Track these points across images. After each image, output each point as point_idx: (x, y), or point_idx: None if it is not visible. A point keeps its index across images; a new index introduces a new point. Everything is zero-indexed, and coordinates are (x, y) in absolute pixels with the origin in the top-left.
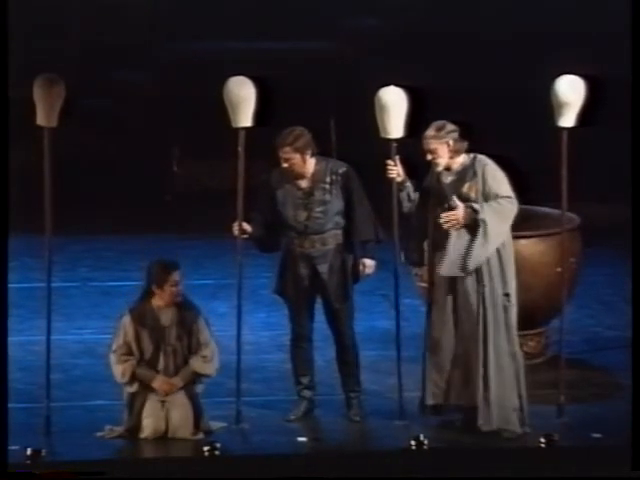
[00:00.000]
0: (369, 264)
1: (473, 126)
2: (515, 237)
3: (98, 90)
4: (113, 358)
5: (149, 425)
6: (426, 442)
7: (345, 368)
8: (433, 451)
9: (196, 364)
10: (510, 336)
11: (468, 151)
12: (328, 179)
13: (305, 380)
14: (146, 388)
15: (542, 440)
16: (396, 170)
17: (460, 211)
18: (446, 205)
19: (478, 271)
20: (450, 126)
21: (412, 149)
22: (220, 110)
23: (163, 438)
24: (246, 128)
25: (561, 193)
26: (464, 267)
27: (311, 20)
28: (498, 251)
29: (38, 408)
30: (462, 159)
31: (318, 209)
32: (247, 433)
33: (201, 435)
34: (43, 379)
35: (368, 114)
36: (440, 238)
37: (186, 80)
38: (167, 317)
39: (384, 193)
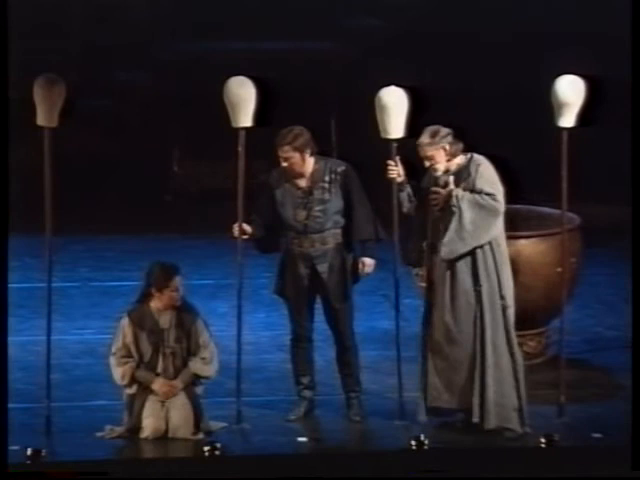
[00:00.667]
0: (368, 263)
1: (470, 126)
2: (515, 237)
3: (98, 90)
4: (113, 361)
5: (149, 425)
6: (426, 442)
7: (345, 368)
8: (433, 451)
9: (196, 366)
10: (509, 336)
11: (466, 150)
12: (327, 178)
13: (305, 380)
14: (146, 389)
15: (542, 440)
16: (396, 170)
17: (443, 192)
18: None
19: (475, 271)
20: (443, 130)
21: (412, 149)
22: (220, 110)
23: (163, 438)
24: (246, 128)
25: (561, 193)
26: (440, 252)
27: (311, 20)
28: (492, 251)
29: (38, 408)
30: (459, 159)
31: (317, 208)
32: (247, 433)
33: (201, 435)
34: (43, 379)
35: (368, 114)
36: (437, 237)
37: (186, 80)
38: (166, 319)
39: (384, 193)
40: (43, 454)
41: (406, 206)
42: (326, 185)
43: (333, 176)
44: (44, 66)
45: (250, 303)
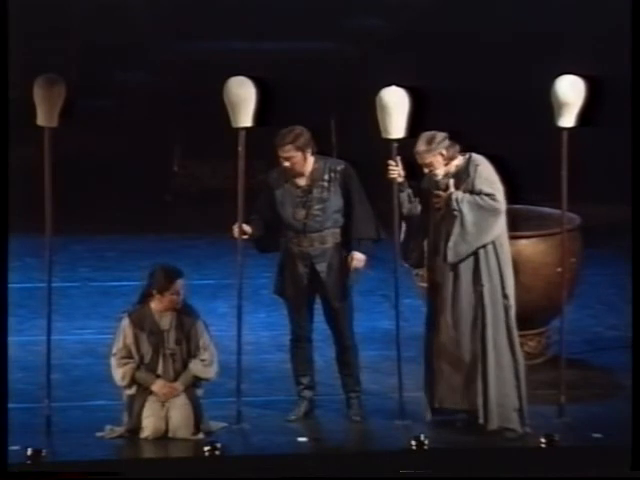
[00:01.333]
0: (358, 257)
1: (470, 126)
2: (516, 237)
3: (98, 90)
4: (113, 362)
5: (149, 425)
6: (426, 442)
7: (345, 368)
8: (433, 451)
9: (196, 368)
10: (511, 336)
11: (465, 150)
12: (326, 177)
13: (305, 380)
14: (146, 389)
15: (542, 440)
16: (397, 170)
17: (443, 195)
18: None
19: (476, 271)
20: (439, 136)
21: (413, 150)
22: (220, 110)
23: (163, 438)
24: (246, 128)
25: (561, 193)
26: (444, 256)
27: (311, 20)
28: (495, 251)
29: (38, 408)
30: (457, 161)
31: (317, 207)
32: (247, 433)
33: (201, 435)
34: (43, 379)
35: (368, 114)
36: (438, 239)
37: (186, 80)
38: (166, 321)
39: (384, 193)
40: (43, 454)
41: (406, 206)
42: (325, 184)
43: (333, 175)
44: (44, 66)
45: (250, 303)
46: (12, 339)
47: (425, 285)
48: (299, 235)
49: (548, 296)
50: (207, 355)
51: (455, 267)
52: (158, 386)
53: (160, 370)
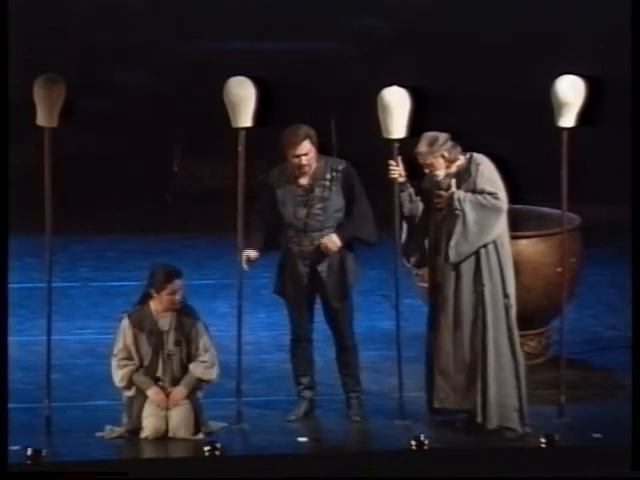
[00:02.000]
0: (333, 238)
1: (470, 126)
2: (516, 237)
3: (98, 90)
4: (113, 363)
5: (149, 425)
6: (426, 442)
7: (345, 368)
8: (433, 451)
9: (198, 370)
10: (511, 336)
11: (466, 150)
12: (328, 176)
13: (305, 380)
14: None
15: (542, 440)
16: (398, 170)
17: (445, 195)
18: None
19: (477, 271)
20: (441, 137)
21: (414, 150)
22: (220, 110)
23: (163, 438)
24: (246, 128)
25: (561, 193)
26: (446, 256)
27: (311, 20)
28: (497, 250)
29: (38, 408)
30: (458, 161)
31: (318, 206)
32: (247, 433)
33: (201, 435)
34: (43, 379)
35: (369, 114)
36: (440, 239)
37: (186, 80)
38: (165, 321)
39: (385, 193)
40: (43, 454)
41: (407, 206)
42: (327, 183)
43: (334, 174)
44: (44, 66)
45: (250, 303)
46: (12, 339)
47: (425, 285)
48: (299, 234)
49: (548, 296)
50: (208, 357)
51: (456, 267)
52: (152, 392)
53: (160, 372)
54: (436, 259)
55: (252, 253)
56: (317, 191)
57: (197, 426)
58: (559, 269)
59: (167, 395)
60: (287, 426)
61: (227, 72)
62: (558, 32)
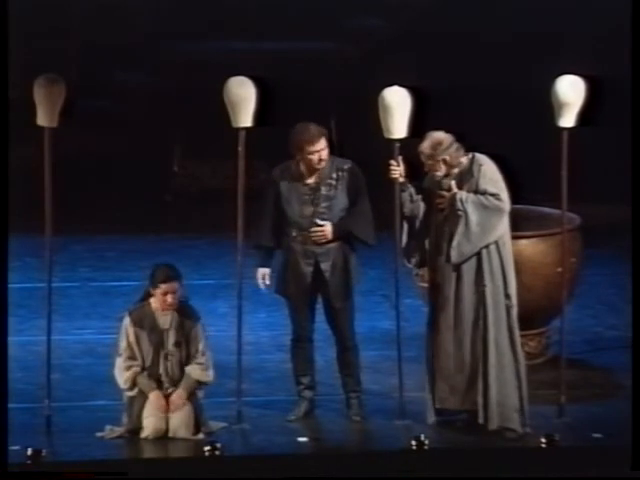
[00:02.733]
0: (328, 228)
1: (470, 126)
2: (516, 237)
3: (98, 90)
4: (119, 362)
5: (149, 425)
6: (426, 442)
7: (346, 368)
8: (433, 451)
9: (196, 372)
10: (512, 336)
11: (467, 150)
12: (334, 175)
13: (305, 380)
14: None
15: (543, 440)
16: (399, 170)
17: (447, 195)
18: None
19: (479, 271)
20: (445, 141)
21: (415, 150)
22: (220, 110)
23: (163, 438)
24: (246, 128)
25: (561, 193)
26: (447, 256)
27: (311, 20)
28: (498, 251)
29: (38, 408)
30: (460, 163)
31: (324, 205)
32: (247, 433)
33: (201, 435)
34: (43, 379)
35: (369, 114)
36: (441, 239)
37: (186, 80)
38: (166, 320)
39: (386, 193)
40: (43, 454)
41: (408, 206)
42: (333, 182)
43: (340, 173)
44: (44, 66)
45: (250, 303)
46: (12, 339)
47: (426, 285)
48: (304, 233)
49: (548, 296)
50: (204, 359)
51: (457, 267)
52: (154, 397)
53: (162, 370)
54: (437, 259)
55: (267, 271)
56: (323, 190)
57: (197, 426)
58: (559, 269)
59: (167, 397)
60: (287, 426)
61: (227, 72)
62: (558, 32)
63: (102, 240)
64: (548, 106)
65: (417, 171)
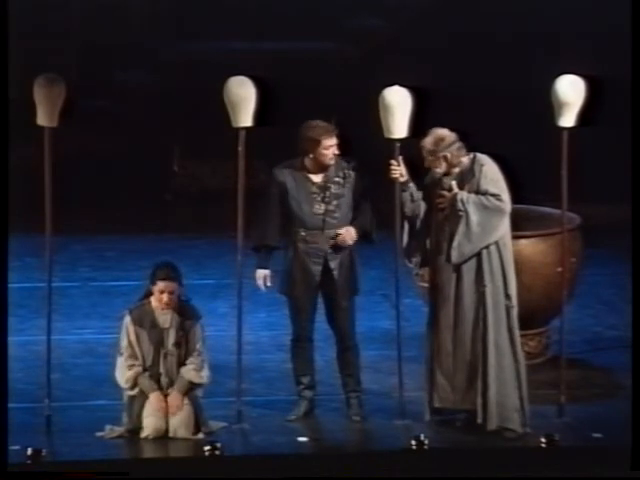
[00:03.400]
0: (352, 233)
1: (471, 126)
2: (516, 237)
3: (98, 90)
4: (120, 361)
5: (149, 425)
6: (426, 442)
7: (346, 368)
8: (433, 451)
9: (189, 374)
10: (512, 337)
11: (468, 150)
12: (341, 173)
13: (306, 380)
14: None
15: (543, 440)
16: (399, 170)
17: (448, 195)
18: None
19: (479, 271)
20: (449, 138)
21: (415, 149)
22: (220, 110)
23: (163, 438)
24: (246, 128)
25: (561, 193)
26: (448, 256)
27: (311, 20)
28: (499, 251)
29: (38, 408)
30: (461, 163)
31: (334, 203)
32: (247, 433)
33: (201, 435)
34: (43, 379)
35: (369, 114)
36: (441, 239)
37: (186, 80)
38: (165, 319)
39: (386, 193)
40: (43, 454)
41: (408, 206)
42: (341, 180)
43: (346, 172)
44: (44, 66)
45: (250, 303)
46: (12, 339)
47: (426, 285)
48: (313, 232)
49: (548, 296)
50: (199, 360)
51: (458, 267)
52: (154, 398)
53: (162, 370)
54: (437, 259)
55: (268, 272)
56: (333, 188)
57: (197, 426)
58: (559, 269)
59: (167, 396)
60: (287, 426)
61: (227, 72)
62: (558, 32)
63: (102, 240)
64: (548, 106)
65: (418, 171)
